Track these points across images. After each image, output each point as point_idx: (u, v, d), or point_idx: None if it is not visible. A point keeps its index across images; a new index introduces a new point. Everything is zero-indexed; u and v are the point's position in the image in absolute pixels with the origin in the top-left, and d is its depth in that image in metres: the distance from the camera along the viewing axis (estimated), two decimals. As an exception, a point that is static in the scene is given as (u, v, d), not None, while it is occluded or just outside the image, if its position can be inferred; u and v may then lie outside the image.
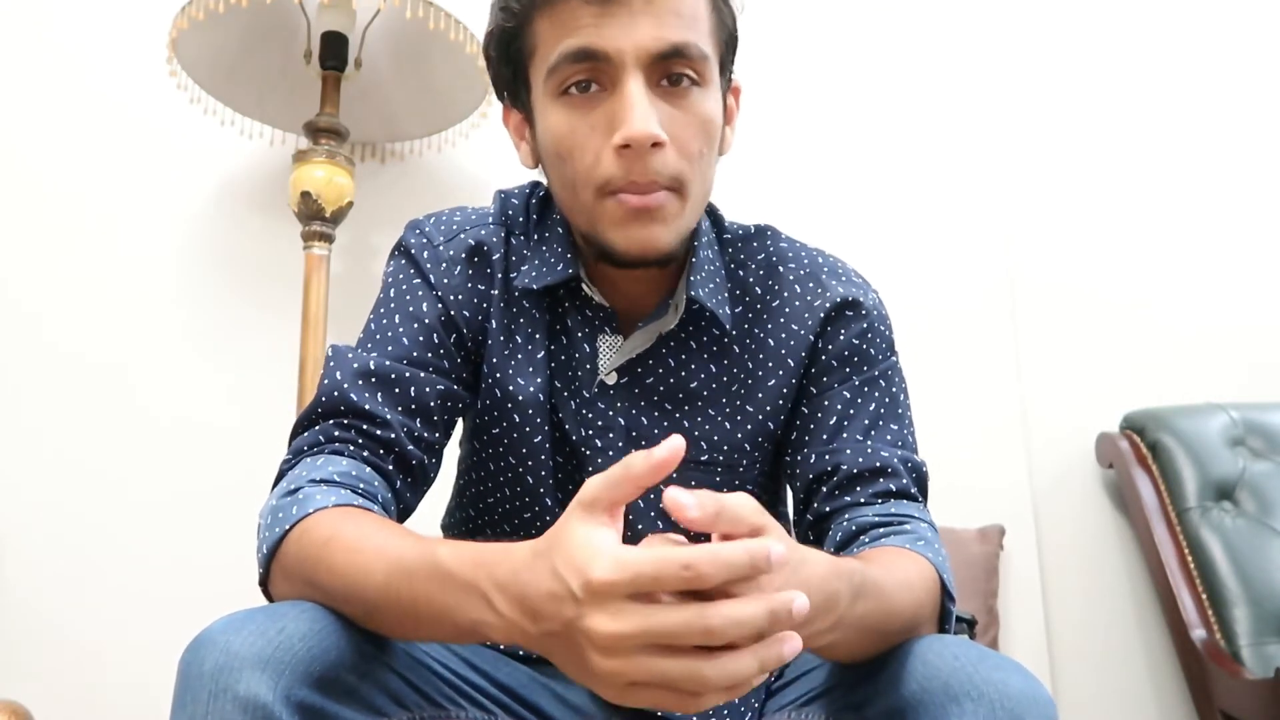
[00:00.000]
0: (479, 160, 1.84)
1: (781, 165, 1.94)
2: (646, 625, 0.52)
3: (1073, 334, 1.91)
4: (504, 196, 0.93)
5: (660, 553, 0.52)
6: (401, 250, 0.90)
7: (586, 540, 0.54)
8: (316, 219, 1.58)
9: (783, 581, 0.55)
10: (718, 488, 0.88)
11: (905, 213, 1.94)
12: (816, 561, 0.61)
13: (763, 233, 0.95)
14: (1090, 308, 1.93)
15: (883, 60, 2.02)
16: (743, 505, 0.56)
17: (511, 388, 0.87)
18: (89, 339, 1.73)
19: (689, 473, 0.88)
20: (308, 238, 1.59)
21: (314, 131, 1.59)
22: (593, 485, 0.56)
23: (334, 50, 1.59)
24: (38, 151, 1.81)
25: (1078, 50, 2.07)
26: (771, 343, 0.89)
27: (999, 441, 1.84)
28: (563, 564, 0.54)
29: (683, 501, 0.53)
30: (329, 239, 1.60)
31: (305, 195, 1.56)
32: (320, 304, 1.56)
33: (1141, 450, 1.76)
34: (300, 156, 1.58)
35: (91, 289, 1.76)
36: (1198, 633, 1.58)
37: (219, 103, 1.68)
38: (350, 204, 1.61)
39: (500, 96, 0.89)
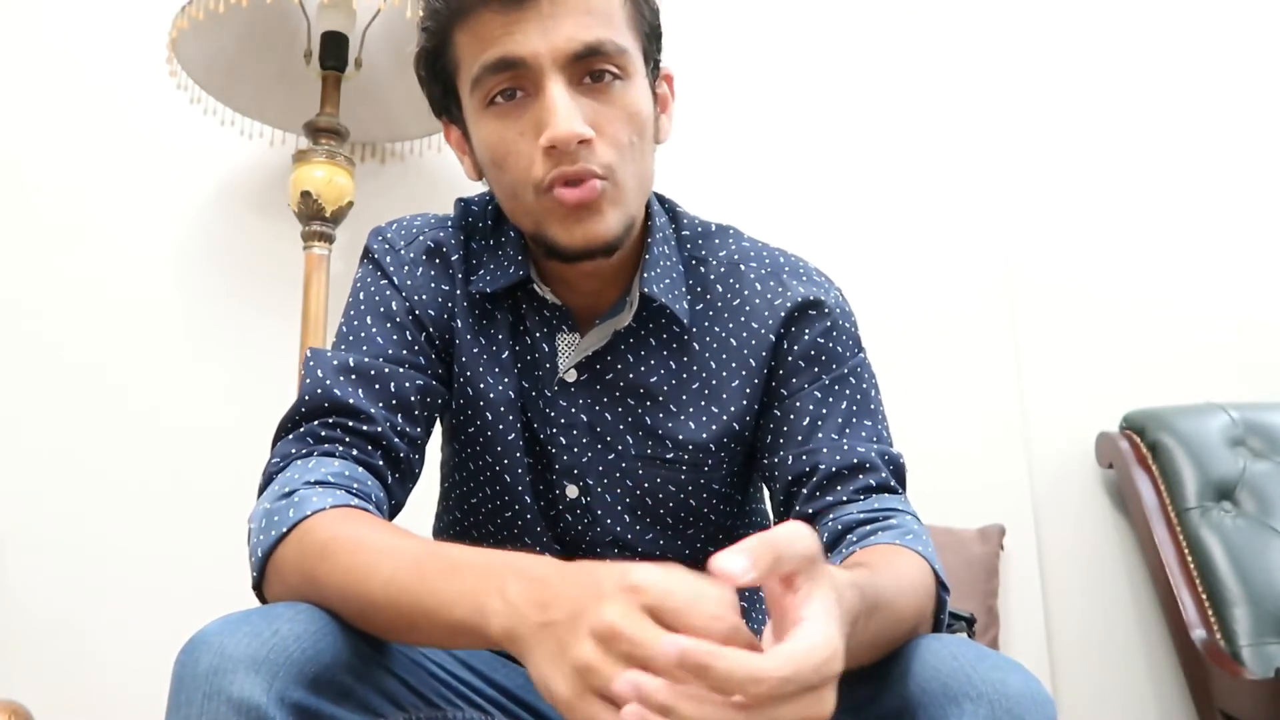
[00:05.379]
0: (479, 160, 1.84)
1: (781, 167, 1.94)
2: (646, 637, 0.50)
3: (1072, 334, 1.91)
4: (464, 203, 0.95)
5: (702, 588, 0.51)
6: (366, 256, 0.92)
7: (624, 566, 0.53)
8: (316, 219, 1.58)
9: (825, 613, 0.52)
10: (683, 486, 0.90)
11: (904, 214, 1.94)
12: (847, 586, 0.58)
13: (724, 231, 0.95)
14: (1090, 308, 1.93)
15: (882, 61, 2.02)
16: (794, 540, 0.52)
17: (482, 386, 0.88)
18: (89, 339, 1.73)
19: (654, 469, 0.89)
20: (308, 238, 1.59)
21: (314, 131, 1.59)
22: (651, 586, 0.52)
23: (334, 50, 1.59)
24: (37, 151, 1.81)
25: (1076, 50, 2.06)
26: (733, 341, 0.90)
27: (999, 441, 1.84)
28: (603, 569, 0.54)
29: (732, 569, 0.50)
30: (329, 239, 1.60)
31: (305, 195, 1.57)
32: (320, 304, 1.56)
33: (1141, 450, 1.76)
34: (300, 156, 1.58)
35: (91, 289, 1.76)
36: (1198, 633, 1.57)
37: (219, 103, 1.68)
38: (350, 204, 1.61)
39: (437, 115, 0.91)
